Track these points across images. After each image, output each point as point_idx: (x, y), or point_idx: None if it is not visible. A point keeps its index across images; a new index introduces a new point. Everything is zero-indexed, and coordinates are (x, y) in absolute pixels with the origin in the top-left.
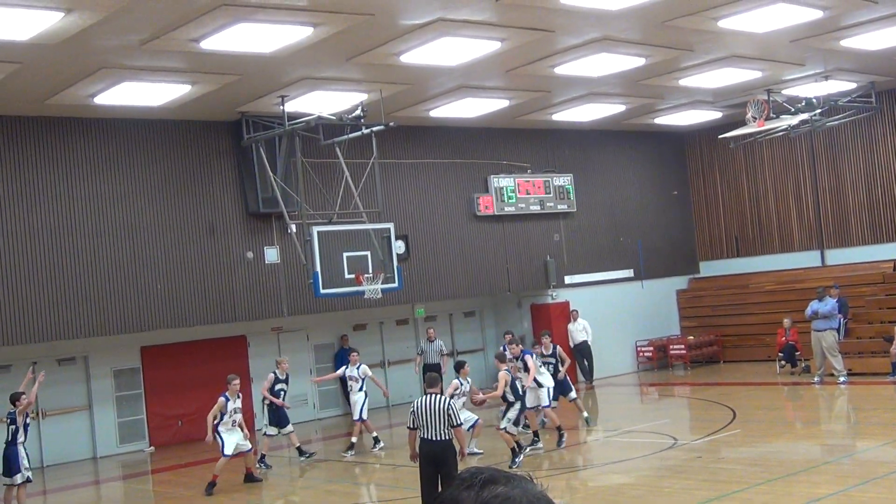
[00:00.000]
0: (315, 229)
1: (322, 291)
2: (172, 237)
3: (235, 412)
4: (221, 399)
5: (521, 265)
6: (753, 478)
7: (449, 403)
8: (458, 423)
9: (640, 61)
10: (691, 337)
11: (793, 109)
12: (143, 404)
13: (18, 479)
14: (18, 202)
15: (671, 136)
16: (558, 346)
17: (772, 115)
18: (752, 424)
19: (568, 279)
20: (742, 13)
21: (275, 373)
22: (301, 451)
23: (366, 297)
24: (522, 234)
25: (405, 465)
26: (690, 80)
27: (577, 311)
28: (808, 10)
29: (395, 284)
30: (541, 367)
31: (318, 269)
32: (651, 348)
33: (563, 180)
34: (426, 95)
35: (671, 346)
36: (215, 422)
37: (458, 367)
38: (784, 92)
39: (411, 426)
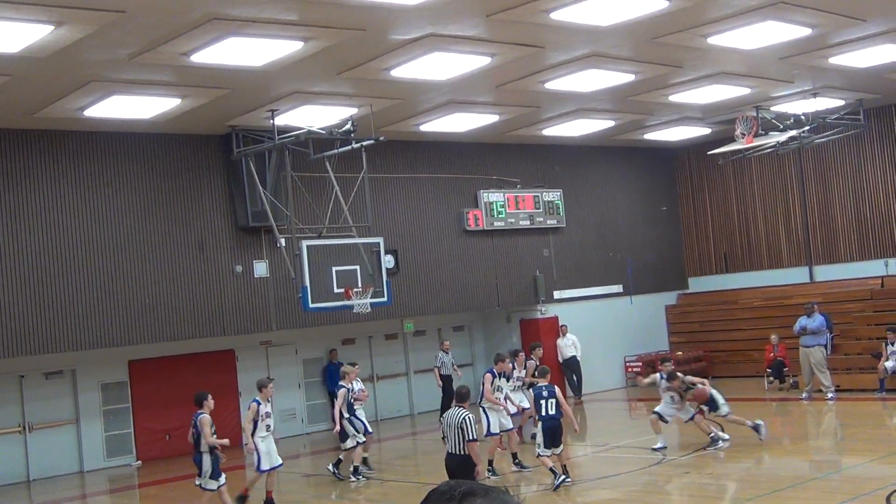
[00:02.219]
0: (304, 243)
1: (311, 306)
2: (161, 250)
3: (268, 416)
4: (254, 404)
5: (510, 280)
6: (741, 493)
7: (463, 418)
8: (471, 438)
9: (629, 77)
10: (680, 352)
11: (781, 126)
12: (131, 418)
13: None
14: (6, 215)
15: (660, 152)
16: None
17: (760, 131)
18: (740, 440)
19: (557, 294)
20: (731, 30)
21: (256, 401)
22: (355, 469)
23: (355, 311)
24: (512, 249)
25: (392, 479)
26: (680, 97)
27: (566, 327)
28: (797, 27)
29: (385, 299)
30: (513, 388)
31: (308, 283)
32: (640, 364)
33: (553, 195)
34: (416, 110)
35: (659, 362)
36: (252, 431)
37: (261, 386)
38: (773, 109)
39: (443, 437)
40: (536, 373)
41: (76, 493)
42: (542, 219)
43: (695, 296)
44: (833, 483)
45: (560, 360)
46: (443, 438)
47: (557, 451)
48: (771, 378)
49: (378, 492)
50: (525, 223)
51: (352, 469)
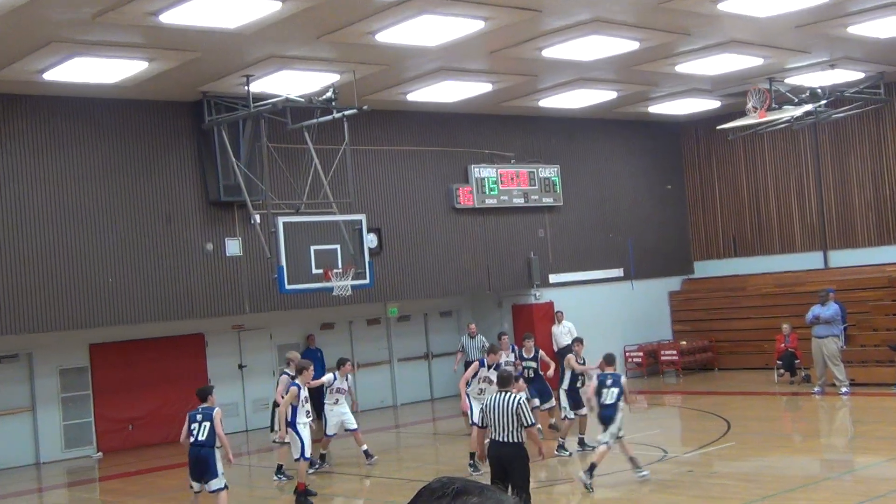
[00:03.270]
0: (280, 220)
1: (287, 287)
2: (126, 226)
3: (307, 402)
4: (294, 388)
5: (502, 262)
6: (748, 494)
7: (521, 402)
8: (530, 422)
9: (633, 45)
10: (684, 342)
11: (796, 100)
12: (91, 406)
13: None
14: None
15: (666, 127)
16: (540, 350)
17: (773, 105)
18: (748, 437)
19: (553, 278)
20: None
21: (286, 372)
22: (279, 467)
23: (334, 294)
24: (504, 228)
25: (374, 475)
26: (687, 67)
27: (561, 313)
28: None
29: (367, 281)
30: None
31: (284, 263)
32: (641, 354)
33: (550, 172)
34: (403, 78)
35: (662, 352)
36: (290, 419)
37: (342, 363)
38: (787, 81)
39: (480, 423)
40: (605, 359)
41: (31, 486)
42: (537, 196)
43: (701, 281)
44: (846, 484)
45: (555, 348)
46: (481, 425)
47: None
48: (781, 371)
49: (356, 489)
50: (519, 201)
51: (276, 468)
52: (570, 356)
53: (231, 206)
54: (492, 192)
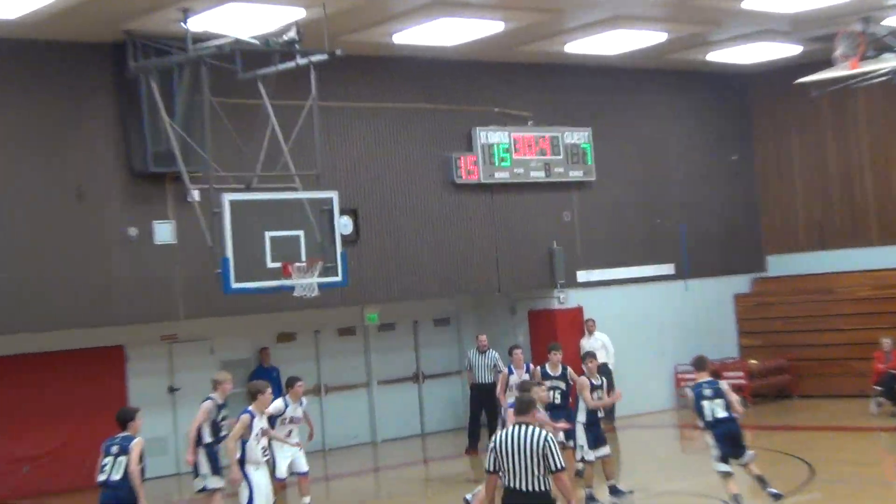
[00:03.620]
0: (227, 198)
1: (234, 286)
2: (22, 203)
3: (262, 435)
4: (245, 416)
5: (516, 255)
6: None
7: (546, 441)
8: (560, 466)
9: None
10: (753, 361)
11: None
12: None
13: None
14: None
15: (730, 80)
16: (568, 368)
17: (869, 52)
18: (838, 486)
19: (582, 276)
20: None
21: (212, 398)
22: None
23: (296, 295)
24: (519, 211)
25: None
26: (759, 2)
27: (593, 322)
28: None
29: (339, 278)
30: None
31: (230, 254)
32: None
33: (579, 137)
34: (387, 13)
35: (725, 374)
36: (238, 456)
37: (290, 383)
38: (887, 22)
39: (491, 468)
40: (693, 365)
41: None
42: (562, 169)
43: (775, 281)
44: None
45: (585, 369)
46: (492, 470)
47: (743, 460)
48: (880, 399)
49: None
50: (538, 175)
51: None
52: (583, 379)
53: (162, 178)
54: (503, 164)
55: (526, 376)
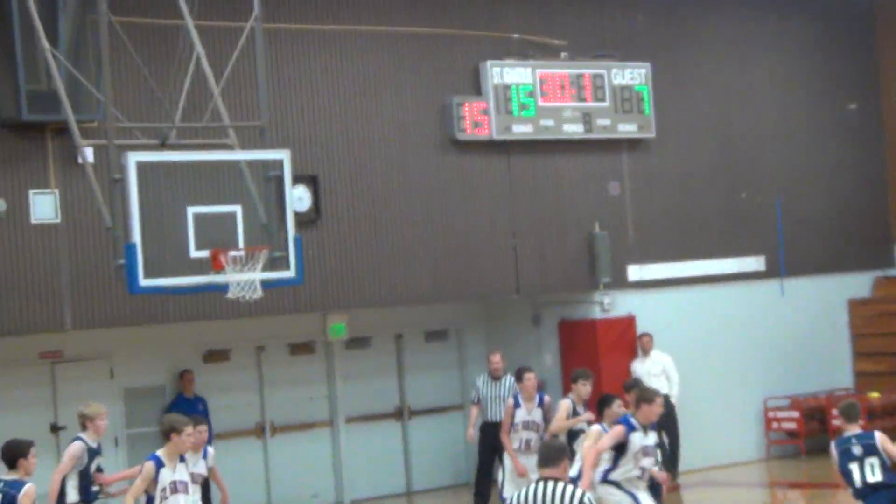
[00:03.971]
0: (133, 158)
1: (143, 283)
2: None
3: (173, 492)
4: (150, 464)
5: (541, 242)
6: None
7: (584, 500)
8: None
9: None
10: (875, 394)
11: None
12: None
13: None
14: None
15: (847, 2)
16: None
17: None
18: None
19: (634, 273)
20: None
21: (81, 438)
22: None
23: (230, 296)
24: (547, 180)
25: None
26: None
27: (650, 338)
28: None
29: (291, 273)
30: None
31: (138, 238)
32: (796, 414)
33: (633, 76)
34: None
35: (835, 411)
36: None
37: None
38: None
39: None
40: (842, 414)
41: None
42: (608, 121)
43: None
44: None
45: None
46: None
47: None
48: None
49: None
50: (574, 129)
51: None
52: (565, 403)
53: (41, 131)
54: (524, 113)
55: (538, 411)
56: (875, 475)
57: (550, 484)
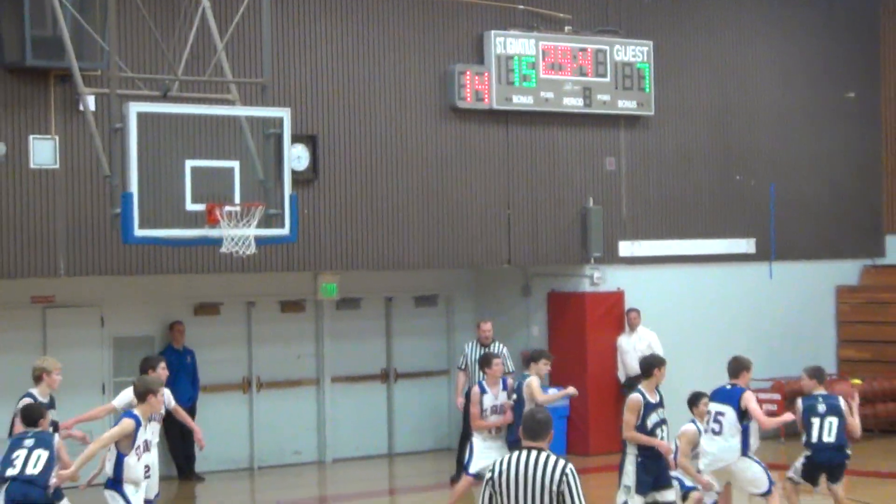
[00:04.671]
0: (134, 108)
1: (138, 233)
2: None
3: (145, 450)
4: (128, 422)
5: (535, 213)
6: None
7: (564, 472)
8: None
9: None
10: (857, 381)
11: None
12: None
13: None
14: None
15: None
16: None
17: None
18: None
19: (626, 249)
20: None
21: (31, 394)
22: None
23: (224, 250)
24: (545, 152)
25: None
26: None
27: (637, 314)
28: None
29: (285, 231)
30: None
31: (135, 188)
32: (778, 396)
33: (634, 53)
34: None
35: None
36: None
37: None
38: None
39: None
40: (808, 374)
41: None
42: (608, 97)
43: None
44: None
45: (622, 376)
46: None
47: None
48: None
49: None
50: (574, 102)
51: None
52: (533, 380)
53: (44, 76)
54: (525, 84)
55: (503, 394)
56: (831, 435)
57: (534, 453)
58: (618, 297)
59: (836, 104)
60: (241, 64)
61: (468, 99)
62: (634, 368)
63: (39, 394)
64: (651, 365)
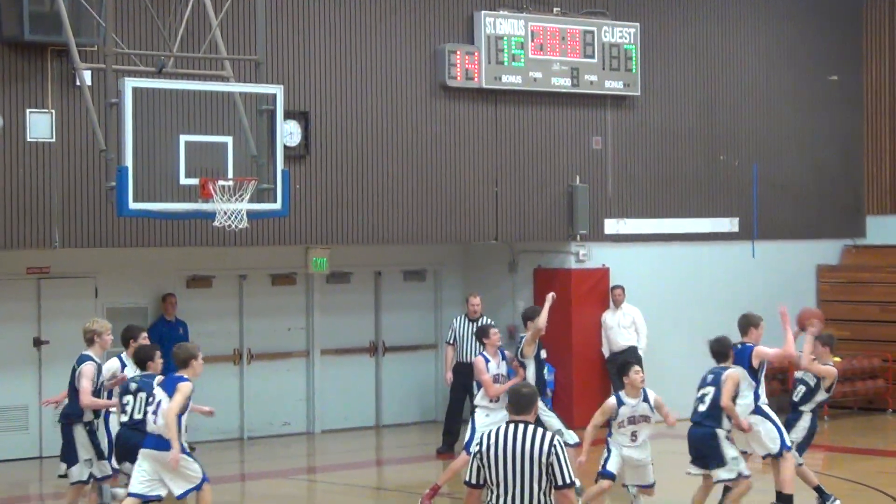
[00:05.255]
0: (130, 84)
1: (132, 206)
2: None
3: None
4: (187, 385)
5: (523, 191)
6: None
7: (555, 443)
8: (568, 481)
9: None
10: (836, 359)
11: None
12: None
13: None
14: None
15: None
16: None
17: None
18: None
19: (611, 227)
20: None
21: (89, 357)
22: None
23: (217, 224)
24: (532, 130)
25: None
26: None
27: (622, 291)
28: None
29: (277, 206)
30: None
31: (130, 162)
32: None
33: (622, 34)
34: None
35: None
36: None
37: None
38: None
39: (473, 480)
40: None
41: None
42: (595, 77)
43: (876, 252)
44: None
45: (607, 351)
46: (474, 482)
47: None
48: None
49: None
50: (562, 82)
51: None
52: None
53: (41, 51)
54: (515, 64)
55: (504, 364)
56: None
57: (521, 427)
58: (603, 273)
59: (819, 87)
60: (236, 41)
61: (458, 78)
62: (618, 344)
63: (95, 354)
64: None
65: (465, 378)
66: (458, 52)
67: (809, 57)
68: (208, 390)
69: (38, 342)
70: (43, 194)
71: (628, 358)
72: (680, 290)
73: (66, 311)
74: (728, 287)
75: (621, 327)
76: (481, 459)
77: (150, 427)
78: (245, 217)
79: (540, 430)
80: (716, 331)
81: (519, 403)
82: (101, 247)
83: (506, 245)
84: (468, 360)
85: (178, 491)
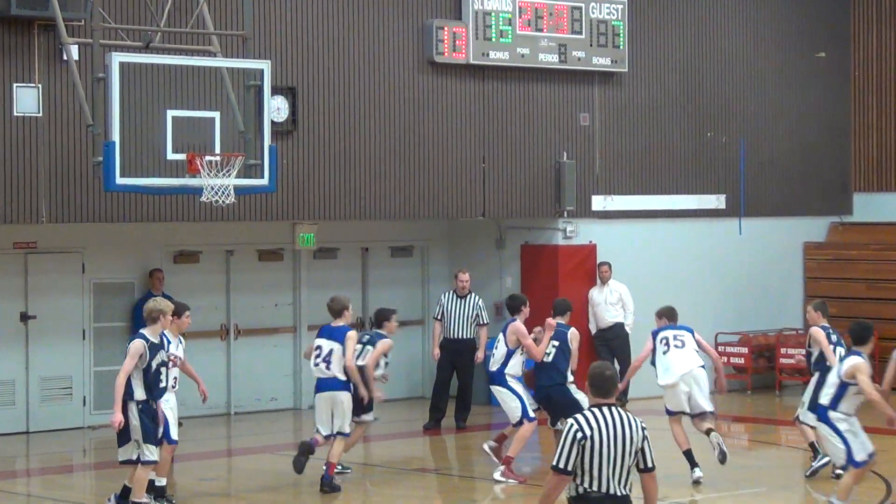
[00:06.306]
0: (116, 58)
1: (119, 181)
2: None
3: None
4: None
5: (510, 167)
6: None
7: (644, 429)
8: (653, 465)
9: None
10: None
11: None
12: None
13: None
14: None
15: None
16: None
17: None
18: None
19: (598, 203)
20: None
21: (143, 335)
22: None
23: (204, 199)
24: (520, 106)
25: None
26: None
27: (608, 267)
28: None
29: (264, 181)
30: None
31: (117, 137)
32: (745, 350)
33: (610, 10)
34: None
35: (784, 350)
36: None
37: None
38: None
39: (568, 468)
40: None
41: None
42: (583, 53)
43: (863, 229)
44: None
45: (593, 328)
46: (570, 469)
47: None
48: None
49: None
50: (550, 58)
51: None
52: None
53: (27, 25)
54: (503, 40)
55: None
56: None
57: (615, 410)
58: (590, 250)
59: (807, 63)
60: (223, 16)
61: (446, 53)
62: (605, 321)
63: (150, 334)
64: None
65: (452, 354)
66: (446, 28)
67: (797, 34)
68: (195, 365)
69: (24, 317)
70: (30, 169)
71: (607, 335)
72: (667, 267)
73: (53, 287)
74: (715, 264)
75: (608, 304)
76: (585, 445)
77: None
78: (232, 192)
79: (630, 414)
80: (702, 308)
81: (603, 387)
82: (88, 222)
83: (493, 221)
84: (456, 336)
85: None
